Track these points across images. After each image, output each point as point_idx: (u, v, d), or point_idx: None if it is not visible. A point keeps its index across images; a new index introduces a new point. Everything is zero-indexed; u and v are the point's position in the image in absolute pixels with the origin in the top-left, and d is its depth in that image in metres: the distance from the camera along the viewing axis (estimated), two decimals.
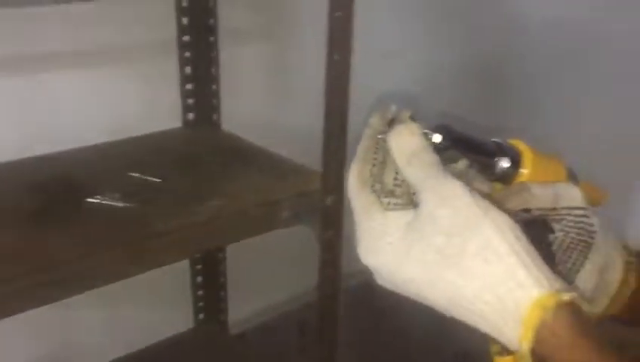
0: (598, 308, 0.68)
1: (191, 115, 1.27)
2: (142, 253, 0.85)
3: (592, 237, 0.67)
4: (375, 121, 0.55)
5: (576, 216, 0.66)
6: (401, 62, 1.59)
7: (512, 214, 0.63)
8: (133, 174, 1.04)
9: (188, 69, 1.24)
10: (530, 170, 0.63)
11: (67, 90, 1.15)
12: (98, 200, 0.94)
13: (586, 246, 0.67)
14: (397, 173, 0.53)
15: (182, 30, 1.20)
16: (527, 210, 0.64)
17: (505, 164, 0.61)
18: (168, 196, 0.99)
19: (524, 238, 0.50)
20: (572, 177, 0.67)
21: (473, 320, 0.49)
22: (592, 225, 0.67)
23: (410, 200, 0.52)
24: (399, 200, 0.53)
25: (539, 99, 1.95)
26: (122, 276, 0.84)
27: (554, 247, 0.66)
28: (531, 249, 0.50)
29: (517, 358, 0.49)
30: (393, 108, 0.55)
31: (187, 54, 1.23)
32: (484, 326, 0.49)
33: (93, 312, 1.25)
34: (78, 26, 1.11)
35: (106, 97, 1.20)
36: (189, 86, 1.25)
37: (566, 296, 0.48)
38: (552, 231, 0.66)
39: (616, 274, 0.68)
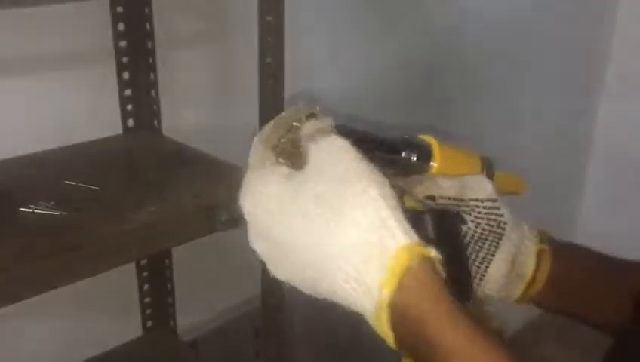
0: (515, 293, 0.70)
1: (131, 122, 1.26)
2: (75, 261, 0.84)
3: (503, 228, 0.69)
4: (290, 112, 0.56)
5: (485, 207, 0.68)
6: (333, 64, 1.60)
7: (420, 201, 0.65)
8: (70, 182, 1.03)
9: (126, 75, 1.23)
10: (438, 162, 0.64)
11: (2, 98, 1.14)
12: (31, 210, 0.93)
13: (496, 236, 0.69)
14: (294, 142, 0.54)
15: (118, 36, 1.20)
16: (431, 198, 0.65)
17: (412, 157, 0.62)
18: (104, 203, 0.98)
19: (394, 193, 0.50)
20: (488, 168, 0.69)
21: (337, 266, 0.48)
22: (501, 216, 0.69)
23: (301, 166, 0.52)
24: (291, 166, 0.53)
25: (476, 99, 1.98)
26: (54, 285, 0.83)
27: (467, 238, 0.68)
28: (399, 204, 0.50)
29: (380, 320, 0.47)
30: (317, 108, 0.56)
31: (125, 60, 1.22)
32: (345, 274, 0.47)
33: (38, 322, 1.23)
34: (13, 32, 1.10)
35: (44, 105, 1.18)
36: (127, 92, 1.24)
37: (432, 252, 0.48)
38: (465, 223, 0.68)
39: (528, 261, 0.70)
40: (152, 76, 1.24)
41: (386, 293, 0.46)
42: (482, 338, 0.47)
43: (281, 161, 0.53)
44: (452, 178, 0.66)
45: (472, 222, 0.69)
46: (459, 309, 0.48)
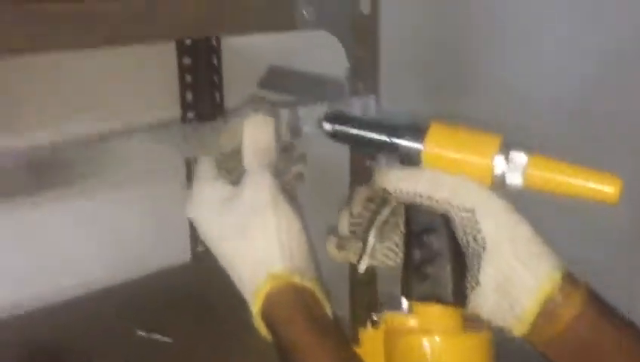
0: (513, 331, 0.56)
1: (202, 246, 1.14)
2: None
3: (482, 246, 0.57)
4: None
5: (462, 217, 0.57)
6: None
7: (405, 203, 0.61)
8: (141, 333, 0.90)
9: None
10: (431, 146, 0.57)
11: (61, 220, 1.03)
12: None
13: (475, 253, 0.57)
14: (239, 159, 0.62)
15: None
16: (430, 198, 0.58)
17: (404, 142, 0.59)
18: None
19: (297, 229, 0.58)
20: (506, 152, 0.56)
21: (239, 284, 0.57)
22: (479, 231, 0.57)
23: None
24: (233, 180, 0.62)
25: None
26: None
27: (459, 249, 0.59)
28: (302, 240, 0.58)
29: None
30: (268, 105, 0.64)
31: None
32: (243, 292, 0.57)
33: None
34: None
35: (101, 228, 1.07)
36: None
37: (297, 278, 0.56)
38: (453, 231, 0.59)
39: (525, 302, 0.55)
40: None
41: (255, 309, 0.55)
42: None
43: (223, 176, 0.63)
44: (439, 176, 0.58)
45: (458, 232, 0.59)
46: (314, 335, 0.55)
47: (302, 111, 0.69)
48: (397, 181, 0.60)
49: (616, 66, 1.02)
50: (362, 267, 0.67)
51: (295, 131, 0.68)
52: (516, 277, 0.56)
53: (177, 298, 1.03)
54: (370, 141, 0.61)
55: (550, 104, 1.09)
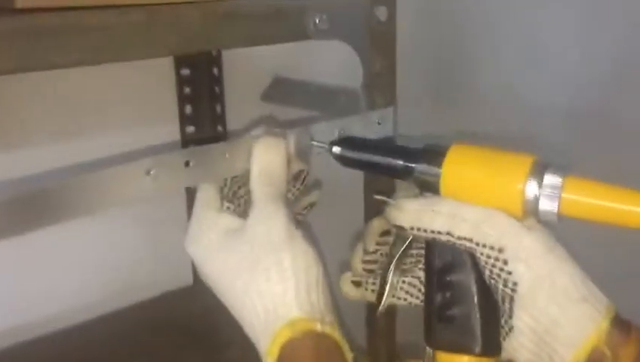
0: None
1: None
2: None
3: (514, 290, 0.50)
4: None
5: (488, 257, 0.50)
6: None
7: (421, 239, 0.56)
8: None
9: None
10: (451, 170, 0.51)
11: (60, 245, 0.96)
12: None
13: (507, 298, 0.50)
14: (245, 184, 0.57)
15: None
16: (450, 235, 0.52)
17: (421, 166, 0.53)
18: None
19: (315, 267, 0.51)
20: (539, 175, 0.48)
21: (248, 328, 0.51)
22: (508, 273, 0.50)
23: (247, 213, 0.55)
24: (237, 209, 0.58)
25: None
26: None
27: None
28: (320, 280, 0.51)
29: None
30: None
31: None
32: (253, 336, 0.51)
33: None
34: None
35: (97, 251, 1.01)
36: None
37: (317, 325, 0.49)
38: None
39: (566, 352, 0.48)
40: None
41: (271, 360, 0.49)
42: None
43: (225, 204, 0.57)
44: (465, 207, 0.52)
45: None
46: None
47: (314, 129, 0.63)
48: (411, 217, 0.54)
49: (622, 72, 0.99)
50: (382, 307, 0.61)
51: (307, 154, 0.62)
52: (555, 327, 0.49)
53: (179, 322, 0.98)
54: (385, 166, 0.57)
55: (556, 111, 1.05)
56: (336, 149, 0.60)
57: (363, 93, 0.72)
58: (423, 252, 0.58)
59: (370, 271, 0.61)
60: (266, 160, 0.56)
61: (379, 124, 0.72)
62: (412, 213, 0.54)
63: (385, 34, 0.70)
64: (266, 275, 0.51)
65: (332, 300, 0.53)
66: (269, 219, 0.53)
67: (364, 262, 0.61)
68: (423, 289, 0.60)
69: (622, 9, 0.96)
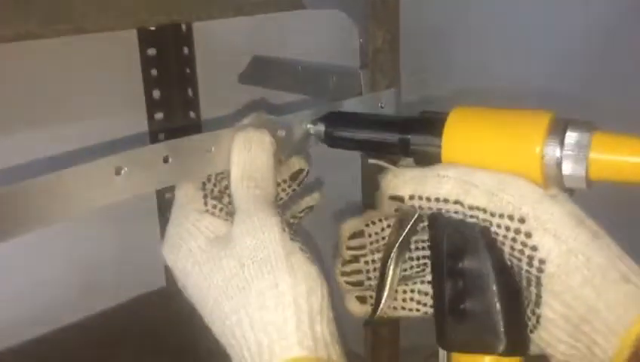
0: None
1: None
2: None
3: (541, 269, 0.41)
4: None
5: (507, 231, 0.42)
6: None
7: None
8: None
9: None
10: (452, 136, 0.43)
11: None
12: None
13: (533, 279, 0.42)
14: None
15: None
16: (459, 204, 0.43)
17: (417, 138, 0.46)
18: None
19: (318, 290, 0.43)
20: (561, 132, 0.40)
21: (234, 354, 0.43)
22: (533, 248, 0.41)
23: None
24: (224, 208, 0.48)
25: None
26: None
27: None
28: (324, 305, 0.43)
29: None
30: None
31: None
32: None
33: None
34: None
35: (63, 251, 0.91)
36: None
37: None
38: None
39: (606, 342, 0.40)
40: None
41: None
42: None
43: (210, 202, 0.48)
44: (482, 172, 0.43)
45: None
46: None
47: (304, 115, 0.54)
48: (413, 184, 0.45)
49: (600, 53, 0.95)
50: (380, 309, 0.52)
51: (304, 147, 0.53)
52: (592, 313, 0.41)
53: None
54: (377, 142, 0.49)
55: (532, 91, 1.00)
56: (319, 127, 0.52)
57: (363, 73, 0.63)
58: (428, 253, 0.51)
59: (357, 284, 0.54)
60: (248, 158, 0.47)
61: (382, 107, 0.63)
62: (414, 179, 0.45)
63: (388, 4, 0.61)
64: (260, 301, 0.42)
65: (338, 327, 0.44)
66: (259, 231, 0.44)
67: (343, 273, 0.53)
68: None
69: None
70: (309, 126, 0.52)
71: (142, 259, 0.95)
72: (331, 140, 0.52)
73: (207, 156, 0.48)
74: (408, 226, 0.49)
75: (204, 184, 0.49)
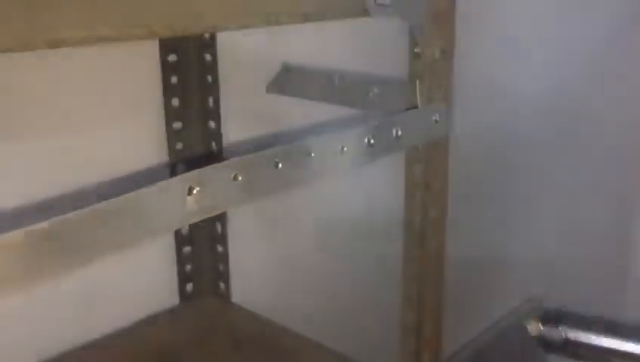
0: None
1: (190, 286, 0.94)
2: None
3: None
4: None
5: None
6: None
7: None
8: None
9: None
10: None
11: None
12: None
13: None
14: None
15: None
16: None
17: None
18: None
19: None
20: None
21: None
22: None
23: None
24: None
25: None
26: None
27: None
28: None
29: None
30: None
31: None
32: None
33: None
34: None
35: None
36: (187, 249, 0.92)
37: None
38: None
39: None
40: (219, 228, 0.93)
41: None
42: None
43: None
44: None
45: None
46: None
47: (347, 133, 0.51)
48: None
49: (601, 66, 0.95)
50: None
51: None
52: None
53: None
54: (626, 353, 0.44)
55: (537, 104, 0.99)
56: (560, 330, 0.46)
57: (416, 86, 0.60)
58: None
59: None
60: None
61: (436, 122, 0.60)
62: None
63: (445, 13, 0.58)
64: None
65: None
66: None
67: None
68: None
69: (602, 3, 0.94)
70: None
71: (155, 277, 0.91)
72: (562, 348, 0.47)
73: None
74: None
75: None
